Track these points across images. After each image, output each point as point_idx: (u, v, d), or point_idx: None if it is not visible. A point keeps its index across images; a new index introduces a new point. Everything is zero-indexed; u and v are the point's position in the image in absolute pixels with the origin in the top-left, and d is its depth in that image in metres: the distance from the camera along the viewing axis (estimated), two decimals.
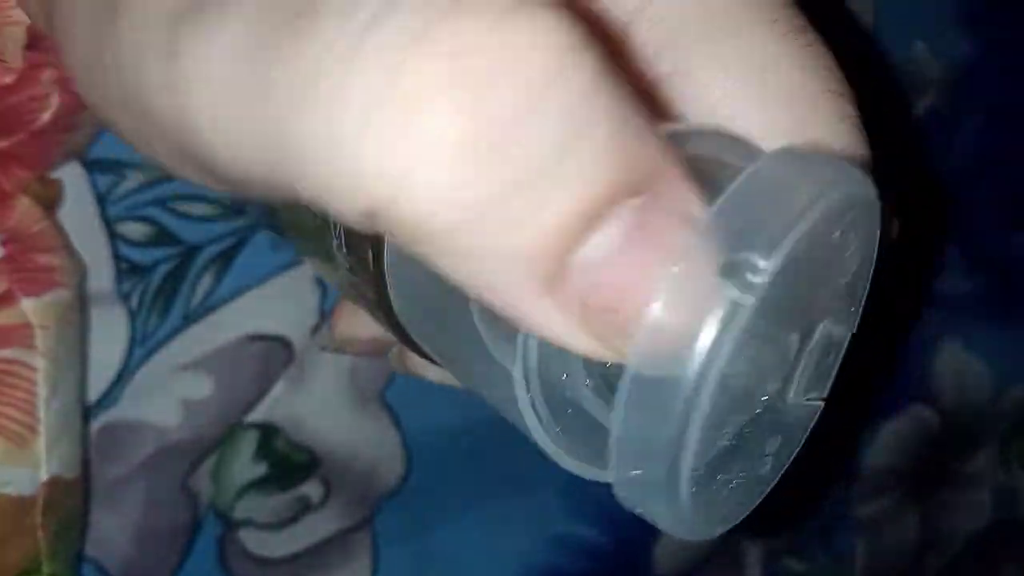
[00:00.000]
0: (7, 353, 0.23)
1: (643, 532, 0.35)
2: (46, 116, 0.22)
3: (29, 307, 0.24)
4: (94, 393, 0.27)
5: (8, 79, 0.21)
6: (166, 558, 0.29)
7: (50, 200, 0.26)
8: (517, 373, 0.13)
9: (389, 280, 0.16)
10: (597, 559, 0.35)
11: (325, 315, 0.30)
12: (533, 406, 0.13)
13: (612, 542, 0.35)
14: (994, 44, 0.39)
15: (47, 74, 0.21)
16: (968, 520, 0.44)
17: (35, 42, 0.21)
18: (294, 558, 0.31)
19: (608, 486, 0.12)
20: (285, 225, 0.23)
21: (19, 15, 0.21)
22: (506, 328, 0.13)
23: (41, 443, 0.24)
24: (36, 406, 0.24)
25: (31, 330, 0.23)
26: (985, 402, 0.43)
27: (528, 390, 0.13)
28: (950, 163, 0.39)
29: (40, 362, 0.24)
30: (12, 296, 0.24)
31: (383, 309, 0.17)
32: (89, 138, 0.25)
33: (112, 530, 0.28)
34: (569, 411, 0.13)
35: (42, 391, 0.24)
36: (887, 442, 0.41)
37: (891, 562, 0.42)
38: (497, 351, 0.14)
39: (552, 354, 0.13)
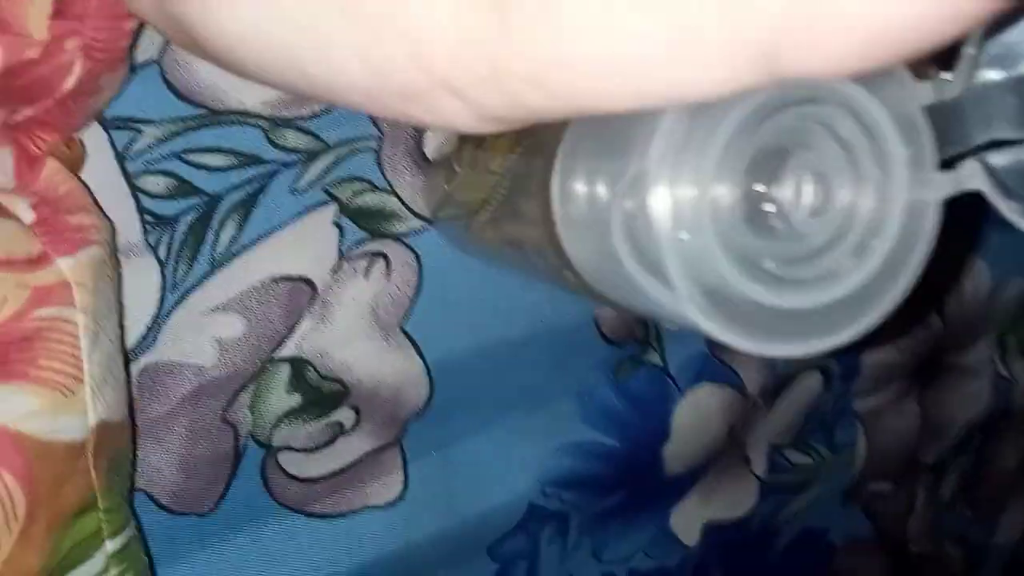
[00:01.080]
0: (48, 311, 0.25)
1: (652, 436, 0.37)
2: (70, 82, 0.23)
3: (65, 266, 0.25)
4: (132, 338, 0.29)
5: (32, 53, 0.22)
6: (212, 483, 0.31)
7: (75, 161, 0.27)
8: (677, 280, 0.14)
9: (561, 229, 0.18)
10: (610, 461, 0.37)
11: (343, 255, 0.31)
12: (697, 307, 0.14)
13: (624, 446, 0.37)
14: None
15: (71, 42, 0.22)
16: (966, 409, 0.46)
17: (61, 11, 0.21)
18: (332, 475, 0.33)
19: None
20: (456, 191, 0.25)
21: None
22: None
23: (87, 392, 0.25)
24: (80, 358, 0.25)
25: (69, 288, 0.25)
26: (984, 297, 0.44)
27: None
28: None
29: (80, 317, 0.25)
30: (47, 257, 0.25)
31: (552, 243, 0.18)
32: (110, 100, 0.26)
33: (159, 462, 0.30)
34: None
35: (84, 344, 0.25)
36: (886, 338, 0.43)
37: (891, 451, 0.44)
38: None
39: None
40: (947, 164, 0.15)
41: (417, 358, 0.33)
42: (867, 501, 0.45)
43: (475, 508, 0.35)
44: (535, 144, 0.20)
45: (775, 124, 0.14)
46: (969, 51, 0.15)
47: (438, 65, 0.13)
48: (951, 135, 0.15)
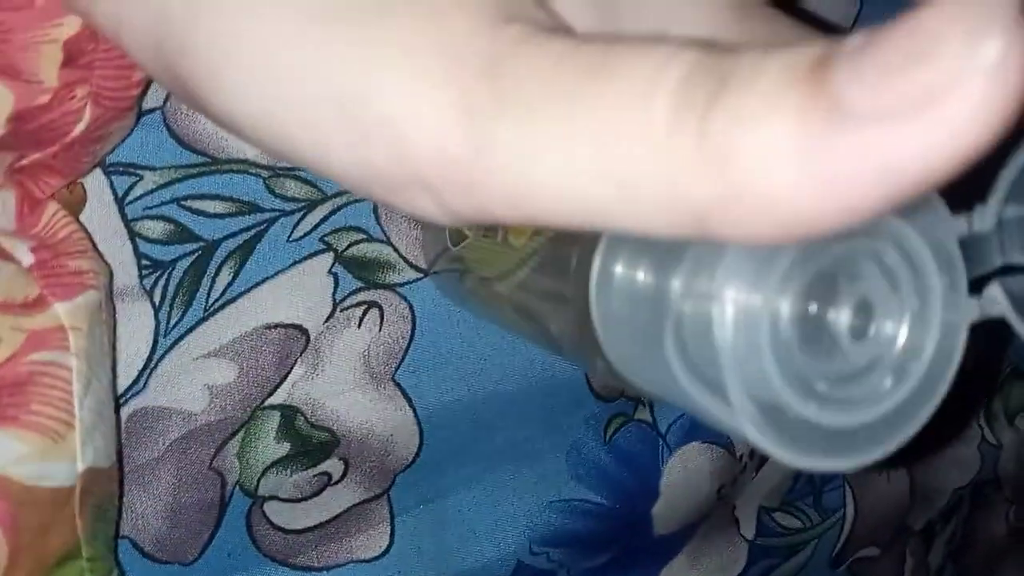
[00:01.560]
0: (42, 355, 0.25)
1: (641, 494, 0.37)
2: (79, 128, 0.23)
3: (62, 310, 0.25)
4: (123, 382, 0.29)
5: (43, 99, 0.22)
6: (197, 533, 0.31)
7: (75, 204, 0.27)
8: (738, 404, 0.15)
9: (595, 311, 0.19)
10: (599, 519, 0.37)
11: (337, 303, 0.31)
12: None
13: (613, 504, 0.37)
14: None
15: (81, 90, 0.22)
16: (954, 475, 0.46)
17: (72, 59, 0.22)
18: (317, 527, 0.33)
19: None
20: (471, 262, 0.27)
21: (56, 33, 0.21)
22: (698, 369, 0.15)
23: (76, 438, 0.25)
24: (72, 403, 0.25)
25: (64, 332, 0.25)
26: (971, 364, 0.44)
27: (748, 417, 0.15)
28: None
29: (74, 362, 0.25)
30: (45, 301, 0.25)
31: (581, 324, 0.19)
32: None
33: (145, 509, 0.30)
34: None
35: (77, 389, 0.25)
36: None
37: (880, 516, 0.44)
38: (688, 382, 0.16)
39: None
40: (971, 285, 0.16)
41: (408, 409, 0.33)
42: (856, 566, 0.44)
43: (462, 565, 0.35)
44: (571, 232, 0.20)
45: (829, 252, 0.15)
46: (1001, 188, 0.16)
47: (418, 169, 0.14)
48: (973, 258, 0.16)
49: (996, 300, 0.16)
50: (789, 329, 0.15)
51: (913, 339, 0.16)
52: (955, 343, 0.16)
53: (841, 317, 0.16)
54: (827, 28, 0.19)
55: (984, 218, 0.16)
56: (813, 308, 0.15)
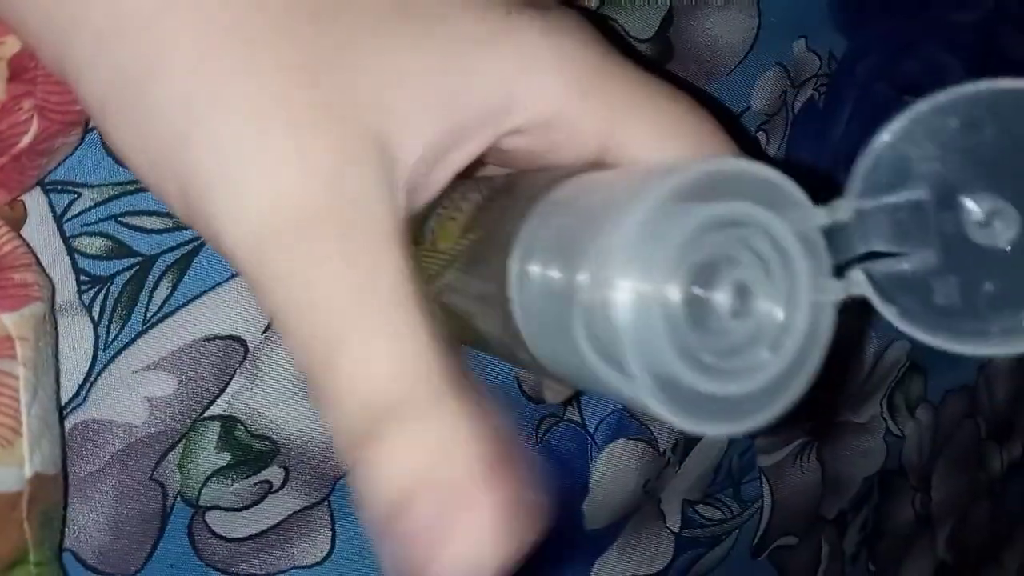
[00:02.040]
0: None
1: (572, 491, 0.39)
2: (26, 140, 0.24)
3: (8, 321, 0.26)
4: (64, 396, 0.30)
5: None
6: (140, 544, 0.31)
7: (16, 221, 0.28)
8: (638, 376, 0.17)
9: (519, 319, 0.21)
10: None
11: None
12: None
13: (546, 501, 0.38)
14: (867, 41, 0.43)
15: (27, 102, 0.23)
16: (863, 465, 0.49)
17: (16, 75, 0.23)
18: (259, 535, 0.33)
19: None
20: None
21: (0, 51, 0.23)
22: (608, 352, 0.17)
23: (24, 444, 0.26)
24: (19, 411, 0.26)
25: (12, 342, 0.26)
26: (871, 360, 0.48)
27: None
28: (825, 151, 0.43)
29: (20, 370, 0.26)
30: None
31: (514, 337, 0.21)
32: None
33: (87, 522, 0.30)
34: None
35: (23, 397, 0.26)
36: None
37: (795, 506, 0.47)
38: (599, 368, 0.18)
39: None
40: (837, 270, 0.19)
41: None
42: (775, 555, 0.47)
43: None
44: (491, 234, 0.22)
45: (711, 241, 0.18)
46: (856, 183, 0.19)
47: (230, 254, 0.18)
48: (838, 247, 0.19)
49: (858, 282, 0.19)
50: (679, 310, 0.17)
51: (786, 317, 0.18)
52: (824, 320, 0.18)
53: (723, 298, 0.18)
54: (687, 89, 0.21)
55: (843, 210, 0.19)
56: (699, 291, 0.18)
